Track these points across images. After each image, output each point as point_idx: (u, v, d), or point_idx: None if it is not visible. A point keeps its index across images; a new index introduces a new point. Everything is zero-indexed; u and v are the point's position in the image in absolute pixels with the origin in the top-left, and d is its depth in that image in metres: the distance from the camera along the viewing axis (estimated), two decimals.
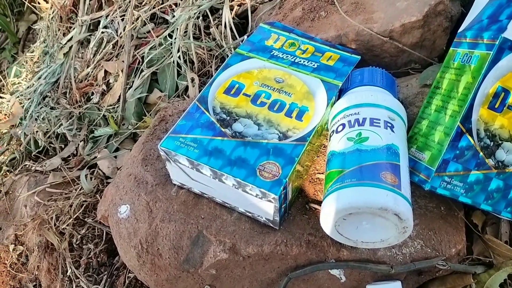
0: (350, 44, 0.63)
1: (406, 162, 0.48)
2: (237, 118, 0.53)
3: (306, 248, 0.53)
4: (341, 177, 0.46)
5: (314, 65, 0.59)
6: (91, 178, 0.72)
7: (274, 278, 0.56)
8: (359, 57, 0.61)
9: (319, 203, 0.55)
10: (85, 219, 0.70)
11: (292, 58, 0.60)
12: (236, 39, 0.72)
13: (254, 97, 0.55)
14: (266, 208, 0.50)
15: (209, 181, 0.52)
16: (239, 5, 0.77)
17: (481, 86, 0.47)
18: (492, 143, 0.49)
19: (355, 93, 0.54)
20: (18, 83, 1.13)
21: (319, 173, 0.58)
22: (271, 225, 0.53)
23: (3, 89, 1.21)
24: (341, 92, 0.58)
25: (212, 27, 0.75)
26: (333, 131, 0.53)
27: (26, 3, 1.28)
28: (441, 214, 0.56)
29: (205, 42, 0.74)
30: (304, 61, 0.59)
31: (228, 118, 0.53)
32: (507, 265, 0.56)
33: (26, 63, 1.19)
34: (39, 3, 1.20)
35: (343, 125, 0.51)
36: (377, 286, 0.52)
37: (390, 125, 0.49)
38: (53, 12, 1.07)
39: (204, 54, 0.74)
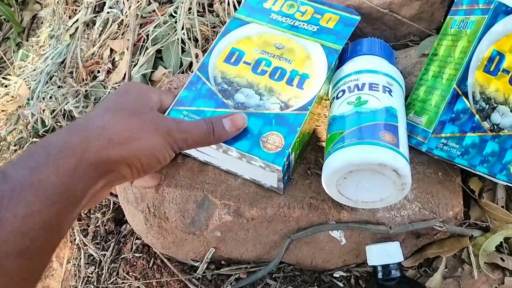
0: None
1: (404, 125, 0.50)
2: (239, 88, 0.53)
3: (308, 210, 0.55)
4: (342, 138, 0.48)
5: (313, 28, 0.58)
6: None
7: (277, 241, 0.58)
8: (358, 17, 0.60)
9: (321, 169, 0.57)
10: None
11: (291, 22, 0.59)
12: None
13: (255, 65, 0.55)
14: (270, 177, 0.51)
15: (214, 153, 0.53)
16: None
17: (476, 50, 0.49)
18: (487, 106, 0.51)
19: (354, 61, 0.56)
20: (25, 66, 1.15)
21: (321, 141, 0.60)
22: (276, 191, 0.55)
23: (10, 73, 1.23)
24: (340, 62, 0.59)
25: (215, 4, 0.76)
26: (333, 98, 0.55)
27: None
28: (439, 179, 0.58)
29: (209, 18, 0.76)
30: (303, 25, 0.58)
31: (230, 88, 0.53)
32: (503, 228, 0.58)
33: (32, 47, 1.21)
34: None
35: (343, 91, 0.53)
36: (376, 246, 0.54)
37: (388, 89, 0.51)
38: None
39: (208, 30, 0.76)
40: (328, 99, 0.59)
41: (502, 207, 0.60)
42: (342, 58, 0.60)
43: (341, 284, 0.60)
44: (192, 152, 0.57)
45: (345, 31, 0.58)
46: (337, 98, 0.54)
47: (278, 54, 0.56)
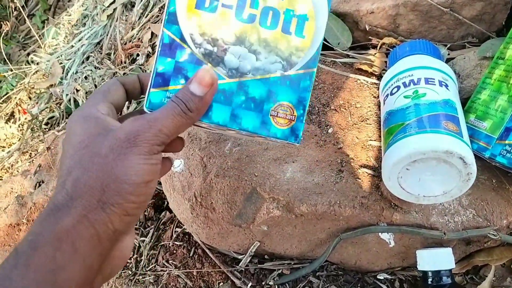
0: (407, 15, 0.63)
1: (463, 118, 0.50)
2: (226, 46, 0.40)
3: (359, 210, 0.53)
4: (402, 128, 0.47)
5: None
6: None
7: (323, 239, 0.57)
8: None
9: (372, 168, 0.56)
10: None
11: None
12: None
13: (238, 8, 0.40)
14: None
15: (223, 132, 0.45)
16: None
17: None
18: None
19: (404, 60, 0.56)
20: (56, 44, 1.14)
21: (371, 140, 0.59)
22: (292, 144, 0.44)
23: (38, 51, 1.22)
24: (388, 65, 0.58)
25: None
26: (386, 95, 0.54)
27: None
28: (493, 186, 0.57)
29: None
30: None
31: (215, 49, 0.40)
32: None
33: (64, 26, 1.19)
34: None
35: (398, 87, 0.53)
36: (427, 251, 0.53)
37: (444, 84, 0.51)
38: None
39: None
40: (380, 100, 0.58)
41: None
42: (391, 61, 0.59)
43: (384, 287, 0.59)
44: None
45: None
46: (392, 94, 0.53)
47: None
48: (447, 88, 0.51)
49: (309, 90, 0.41)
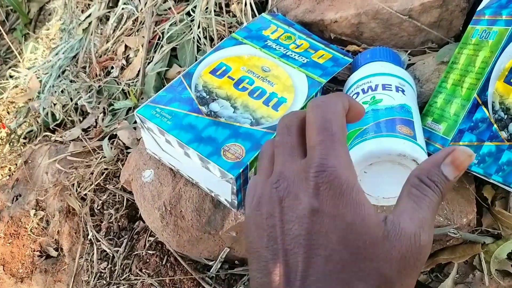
0: (369, 22, 0.65)
1: (419, 121, 0.52)
2: (216, 98, 0.54)
3: None
4: (360, 133, 0.49)
5: (304, 60, 0.60)
6: (111, 147, 0.75)
7: None
8: (350, 59, 0.62)
9: None
10: (106, 186, 0.72)
11: (284, 50, 0.61)
12: (256, 16, 0.74)
13: (238, 81, 0.56)
14: (225, 189, 0.51)
15: (177, 155, 0.53)
16: None
17: (498, 61, 0.50)
18: (506, 116, 0.51)
19: (364, 67, 0.58)
20: (35, 59, 1.15)
21: None
22: (230, 207, 0.55)
23: (18, 66, 1.23)
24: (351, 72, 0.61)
25: (232, 4, 0.77)
26: None
27: None
28: (453, 186, 0.59)
29: (226, 18, 0.76)
30: (295, 55, 0.60)
31: (208, 97, 0.54)
32: None
33: (42, 40, 1.21)
34: None
35: (357, 93, 0.55)
36: None
37: (401, 89, 0.53)
38: None
39: (224, 30, 0.76)
40: None
41: None
42: (353, 68, 0.61)
43: None
44: (158, 152, 0.58)
45: (333, 68, 0.59)
46: None
47: (263, 75, 0.57)
48: (404, 93, 0.53)
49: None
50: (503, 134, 0.52)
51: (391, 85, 0.53)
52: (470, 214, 0.57)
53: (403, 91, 0.53)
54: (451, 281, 0.58)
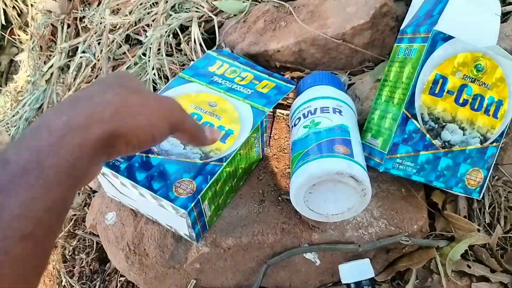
0: (309, 49, 0.69)
1: (358, 139, 0.55)
2: (170, 156, 0.55)
3: (281, 236, 0.57)
4: (302, 156, 0.52)
5: (248, 91, 0.63)
6: (79, 193, 0.76)
7: (255, 267, 0.60)
8: (293, 86, 0.65)
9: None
10: (76, 231, 0.73)
11: (230, 84, 0.64)
12: (205, 52, 0.78)
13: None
14: (182, 223, 0.53)
15: (132, 195, 0.55)
16: (207, 21, 0.83)
17: (420, 75, 0.53)
18: (436, 125, 0.55)
19: (305, 93, 0.62)
20: (4, 112, 1.17)
21: (289, 168, 0.63)
22: (190, 240, 0.57)
23: None
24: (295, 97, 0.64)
25: (182, 43, 0.80)
26: (292, 126, 0.60)
27: (7, 36, 1.33)
28: (402, 195, 0.61)
29: (177, 57, 0.79)
30: (240, 88, 0.63)
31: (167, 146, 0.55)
32: (467, 237, 0.61)
33: (10, 93, 1.23)
34: (19, 36, 1.25)
35: (299, 118, 0.58)
36: (347, 264, 0.57)
37: (338, 110, 0.56)
38: (33, 43, 1.12)
39: (177, 69, 0.80)
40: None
41: (465, 217, 0.63)
42: (296, 94, 0.65)
43: None
44: (117, 195, 0.60)
45: (276, 97, 0.62)
46: (295, 125, 0.58)
47: (210, 110, 0.59)
48: (341, 114, 0.56)
49: (214, 175, 0.53)
50: (437, 142, 0.55)
51: (328, 107, 0.57)
52: (420, 220, 0.60)
53: (340, 112, 0.56)
54: (412, 287, 0.61)
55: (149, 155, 0.54)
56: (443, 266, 0.61)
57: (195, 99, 0.61)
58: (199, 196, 0.50)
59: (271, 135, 0.68)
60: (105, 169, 0.54)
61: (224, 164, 0.53)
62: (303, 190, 0.51)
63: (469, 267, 0.61)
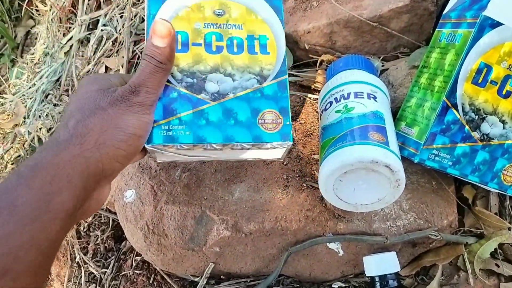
0: (341, 31, 0.66)
1: (392, 127, 0.53)
2: (204, 76, 0.46)
3: (305, 223, 0.55)
4: (333, 142, 0.50)
5: None
6: None
7: (275, 254, 0.59)
8: None
9: (316, 181, 0.58)
10: None
11: None
12: None
13: (207, 44, 0.46)
14: (277, 153, 0.49)
15: (213, 154, 0.49)
16: None
17: (465, 63, 0.50)
18: (476, 116, 0.52)
19: (337, 76, 0.58)
20: (20, 84, 1.16)
21: (315, 154, 0.61)
22: (277, 160, 0.54)
23: (5, 91, 1.23)
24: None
25: None
26: (322, 110, 0.57)
27: (24, 6, 1.31)
28: (433, 188, 0.59)
29: None
30: None
31: (195, 80, 0.45)
32: (497, 235, 0.59)
33: (27, 64, 1.21)
34: (37, 7, 1.23)
35: (331, 102, 0.55)
36: (373, 257, 0.55)
37: (373, 96, 0.53)
38: (52, 14, 1.10)
39: None
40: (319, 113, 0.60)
41: (496, 213, 0.61)
42: (327, 77, 0.62)
43: None
44: (180, 159, 0.50)
45: None
46: (326, 110, 0.56)
47: (222, 22, 0.47)
48: (375, 100, 0.53)
49: (287, 96, 0.47)
50: (476, 135, 0.52)
51: (363, 92, 0.54)
52: (450, 215, 0.57)
53: (375, 97, 0.54)
54: (437, 283, 0.58)
55: (206, 105, 0.45)
56: (470, 263, 0.59)
57: (195, 16, 0.47)
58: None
59: (298, 119, 0.65)
60: (178, 147, 0.44)
61: (286, 75, 0.47)
62: (334, 177, 0.49)
63: (498, 266, 0.59)
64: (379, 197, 0.50)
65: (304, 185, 0.58)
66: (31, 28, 1.51)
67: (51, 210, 0.33)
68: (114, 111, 0.38)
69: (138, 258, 0.66)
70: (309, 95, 0.68)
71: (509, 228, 0.59)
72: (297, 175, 0.59)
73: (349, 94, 0.54)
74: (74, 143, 0.36)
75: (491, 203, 0.61)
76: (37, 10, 1.26)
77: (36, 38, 1.42)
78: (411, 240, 0.57)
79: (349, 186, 0.50)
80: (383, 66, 0.66)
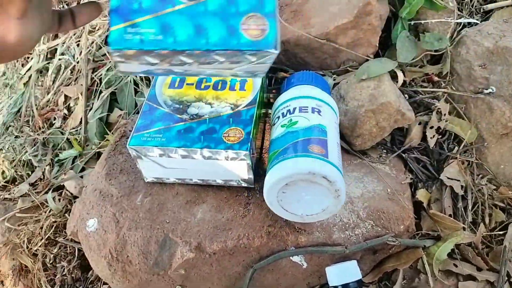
0: (293, 49, 0.68)
1: (335, 139, 0.54)
2: (189, 104, 0.59)
3: (267, 239, 0.57)
4: (276, 155, 0.51)
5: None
6: (59, 199, 0.74)
7: (241, 272, 0.59)
8: None
9: None
10: (57, 239, 0.71)
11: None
12: None
13: (198, 84, 0.61)
14: (240, 169, 0.55)
15: (182, 163, 0.56)
16: None
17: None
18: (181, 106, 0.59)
19: (286, 92, 0.61)
20: None
21: None
22: (247, 185, 0.59)
23: None
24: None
25: None
26: (271, 125, 0.59)
27: None
28: (388, 195, 0.61)
29: None
30: None
31: (181, 106, 0.59)
32: (453, 236, 0.61)
33: None
34: None
35: (278, 117, 0.57)
36: (334, 267, 0.56)
37: (317, 110, 0.55)
38: None
39: None
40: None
41: (450, 215, 0.63)
42: (280, 93, 0.64)
43: None
44: (161, 174, 0.59)
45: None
46: (274, 124, 0.58)
47: (213, 94, 0.61)
48: (320, 114, 0.55)
49: (254, 116, 0.57)
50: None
51: (307, 107, 0.56)
52: (406, 220, 0.59)
53: (319, 111, 0.55)
54: (399, 287, 0.60)
55: (184, 123, 0.56)
56: (430, 265, 0.61)
57: (193, 93, 0.61)
58: (251, 136, 0.54)
59: (259, 137, 0.67)
60: (148, 148, 0.55)
61: (256, 104, 0.58)
62: (276, 189, 0.50)
63: (456, 266, 0.61)
64: (323, 208, 0.52)
65: (265, 201, 0.59)
66: None
67: None
68: None
69: (105, 287, 0.65)
70: (270, 111, 0.69)
71: (463, 229, 0.62)
72: (257, 192, 0.61)
73: (294, 108, 0.56)
74: None
75: (445, 206, 0.64)
76: None
77: None
78: (371, 247, 0.58)
79: (293, 197, 0.51)
80: (334, 80, 0.69)
